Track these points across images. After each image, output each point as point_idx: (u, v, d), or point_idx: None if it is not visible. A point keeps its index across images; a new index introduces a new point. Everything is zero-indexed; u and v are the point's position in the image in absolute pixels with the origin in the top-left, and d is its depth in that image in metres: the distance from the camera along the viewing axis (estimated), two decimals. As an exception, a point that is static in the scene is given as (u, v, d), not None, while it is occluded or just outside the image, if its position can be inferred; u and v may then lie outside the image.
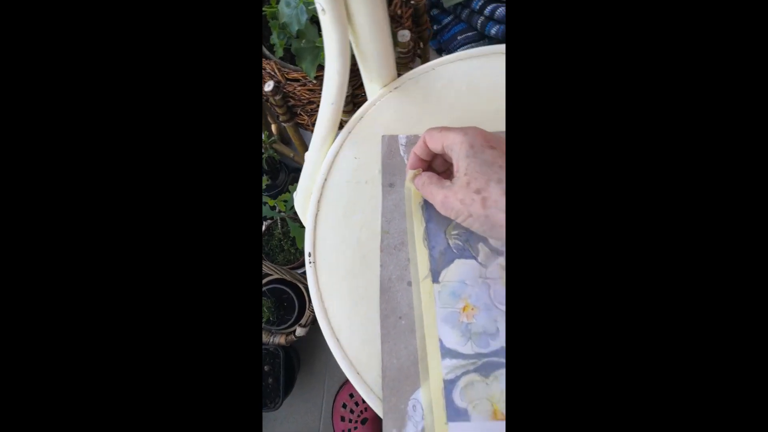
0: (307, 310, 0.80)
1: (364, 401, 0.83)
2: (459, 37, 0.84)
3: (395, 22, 0.56)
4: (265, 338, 0.73)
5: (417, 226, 0.38)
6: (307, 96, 0.62)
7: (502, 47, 0.41)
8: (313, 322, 0.78)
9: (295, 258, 0.84)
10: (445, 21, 0.88)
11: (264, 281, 0.79)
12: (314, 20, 0.51)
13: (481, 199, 0.30)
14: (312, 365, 0.89)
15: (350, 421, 0.82)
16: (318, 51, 0.52)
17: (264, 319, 0.75)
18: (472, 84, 0.41)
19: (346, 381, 0.85)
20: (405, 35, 0.53)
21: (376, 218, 0.39)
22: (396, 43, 0.54)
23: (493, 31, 0.79)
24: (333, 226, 0.40)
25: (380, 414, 0.35)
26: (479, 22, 0.82)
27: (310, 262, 0.39)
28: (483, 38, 0.82)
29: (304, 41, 0.52)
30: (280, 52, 0.55)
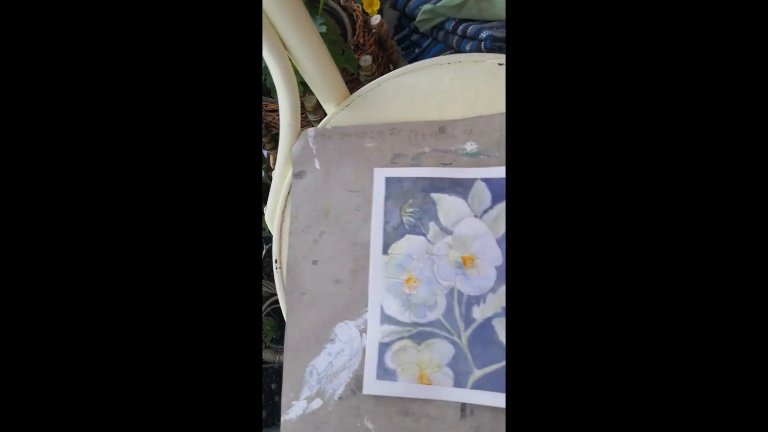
0: (311, 329, 0.83)
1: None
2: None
3: (359, 49, 0.61)
4: (270, 357, 0.76)
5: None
6: (289, 124, 0.67)
7: (437, 60, 0.44)
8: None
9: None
10: (425, 44, 0.93)
11: (268, 301, 0.83)
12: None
13: None
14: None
15: None
16: (288, 81, 0.57)
17: (268, 338, 0.78)
18: (414, 94, 0.45)
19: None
20: (367, 60, 0.58)
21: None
22: (360, 67, 0.59)
23: (467, 47, 0.83)
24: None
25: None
26: (454, 40, 0.86)
27: (276, 268, 0.43)
28: (460, 56, 0.86)
29: (276, 74, 0.58)
30: (259, 87, 0.61)
